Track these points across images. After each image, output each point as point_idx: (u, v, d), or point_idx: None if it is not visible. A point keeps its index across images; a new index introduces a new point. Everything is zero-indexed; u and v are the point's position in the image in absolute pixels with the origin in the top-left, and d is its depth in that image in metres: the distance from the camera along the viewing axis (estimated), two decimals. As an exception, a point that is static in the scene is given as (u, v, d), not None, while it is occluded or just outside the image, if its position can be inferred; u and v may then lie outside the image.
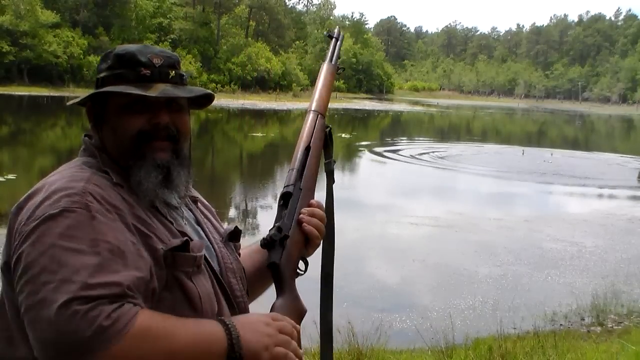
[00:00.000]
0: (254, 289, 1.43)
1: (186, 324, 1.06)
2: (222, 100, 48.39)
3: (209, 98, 1.33)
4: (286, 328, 1.16)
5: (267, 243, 1.34)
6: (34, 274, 1.01)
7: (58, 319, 0.95)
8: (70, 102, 1.31)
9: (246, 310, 1.30)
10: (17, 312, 1.07)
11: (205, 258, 1.24)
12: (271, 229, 1.35)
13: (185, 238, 1.19)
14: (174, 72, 1.25)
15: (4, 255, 1.13)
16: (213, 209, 1.46)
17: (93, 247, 1.02)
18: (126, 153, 1.21)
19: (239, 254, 1.41)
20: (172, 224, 1.22)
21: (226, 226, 1.44)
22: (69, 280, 0.98)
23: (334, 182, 1.54)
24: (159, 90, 1.20)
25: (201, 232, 1.33)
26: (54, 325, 0.95)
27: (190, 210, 1.35)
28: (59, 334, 0.95)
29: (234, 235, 1.40)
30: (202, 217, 1.38)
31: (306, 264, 1.41)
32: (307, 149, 1.47)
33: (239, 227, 1.44)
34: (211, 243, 1.33)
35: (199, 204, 1.40)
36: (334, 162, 1.55)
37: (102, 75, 1.24)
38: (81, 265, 1.00)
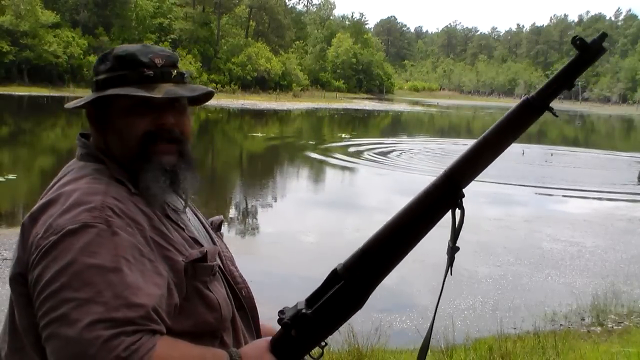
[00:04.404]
0: None
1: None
2: (222, 100, 48.39)
3: (208, 95, 1.33)
4: None
5: (295, 317, 1.14)
6: (55, 289, 1.00)
7: (79, 340, 0.95)
8: (70, 105, 1.27)
9: (250, 296, 1.34)
10: (30, 324, 1.06)
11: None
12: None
13: (205, 249, 1.20)
14: (175, 71, 1.24)
15: (17, 266, 1.11)
16: None
17: (115, 264, 1.02)
18: (133, 156, 1.19)
19: None
20: (183, 230, 1.22)
21: (214, 217, 1.47)
22: (93, 301, 0.98)
23: (451, 274, 1.15)
24: (163, 90, 1.19)
25: (202, 229, 1.35)
26: (74, 345, 0.96)
27: (188, 206, 1.36)
28: (77, 354, 0.95)
29: (219, 225, 1.46)
30: (196, 210, 1.41)
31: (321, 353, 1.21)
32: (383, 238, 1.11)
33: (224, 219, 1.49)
34: (210, 235, 1.36)
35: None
36: (458, 248, 1.14)
37: (102, 77, 1.22)
38: (104, 284, 0.99)
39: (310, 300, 1.14)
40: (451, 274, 1.14)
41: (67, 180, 1.16)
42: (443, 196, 1.11)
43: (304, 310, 1.13)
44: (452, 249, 1.13)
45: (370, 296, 1.19)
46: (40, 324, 1.01)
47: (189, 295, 1.14)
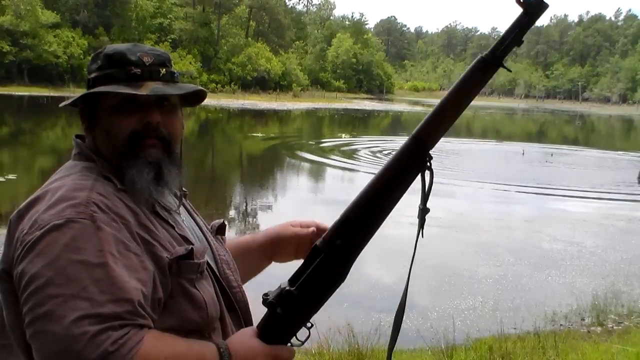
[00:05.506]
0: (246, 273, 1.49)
1: (188, 355, 1.08)
2: (222, 101, 48.41)
3: (200, 95, 1.31)
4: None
5: (281, 296, 1.15)
6: (40, 285, 0.99)
7: (66, 336, 0.95)
8: (63, 103, 1.28)
9: (244, 300, 1.33)
10: (16, 321, 1.06)
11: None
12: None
13: (191, 246, 1.19)
14: (164, 70, 1.22)
15: (3, 263, 1.11)
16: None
17: (100, 259, 1.01)
18: (120, 154, 1.19)
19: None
20: (173, 228, 1.21)
21: (215, 220, 1.46)
22: (78, 296, 0.97)
23: (422, 236, 1.19)
24: (149, 88, 1.17)
25: (197, 229, 1.35)
26: (61, 341, 0.95)
27: (184, 205, 1.35)
28: (63, 351, 0.95)
29: (221, 229, 1.44)
30: (192, 211, 1.40)
31: (308, 335, 1.21)
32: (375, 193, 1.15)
33: (225, 222, 1.47)
34: (206, 237, 1.35)
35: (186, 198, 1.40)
36: (428, 210, 1.17)
37: (92, 75, 1.22)
38: (89, 279, 0.99)
39: (294, 279, 1.15)
40: (422, 237, 1.17)
41: (56, 178, 1.17)
42: (411, 159, 1.14)
43: (287, 288, 1.14)
44: (423, 211, 1.15)
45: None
46: (25, 321, 1.00)
47: (174, 292, 1.13)
